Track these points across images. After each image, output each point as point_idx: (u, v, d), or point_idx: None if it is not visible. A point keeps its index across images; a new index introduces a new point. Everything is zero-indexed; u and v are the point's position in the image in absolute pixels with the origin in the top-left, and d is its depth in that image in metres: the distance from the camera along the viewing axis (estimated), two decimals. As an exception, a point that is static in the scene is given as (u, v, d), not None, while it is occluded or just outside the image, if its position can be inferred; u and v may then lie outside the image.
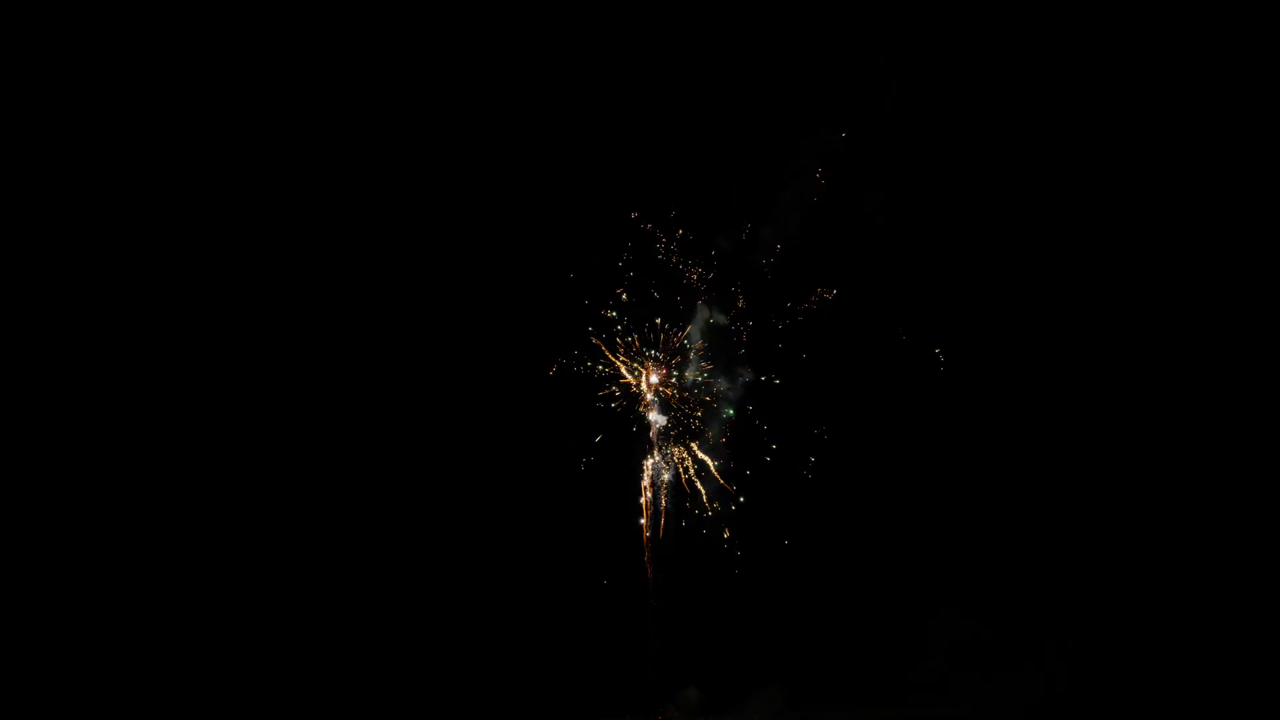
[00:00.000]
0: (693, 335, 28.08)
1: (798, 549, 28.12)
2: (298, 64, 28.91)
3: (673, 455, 28.14)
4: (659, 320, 28.12)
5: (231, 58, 28.86)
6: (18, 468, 27.68)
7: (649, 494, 28.13)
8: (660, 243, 28.18)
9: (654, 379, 28.11)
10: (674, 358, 28.13)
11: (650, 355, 28.15)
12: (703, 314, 28.06)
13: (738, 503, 27.85)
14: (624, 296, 28.09)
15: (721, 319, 28.06)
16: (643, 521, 28.09)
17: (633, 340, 28.13)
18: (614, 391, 28.15)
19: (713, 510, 27.89)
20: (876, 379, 28.90)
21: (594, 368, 28.15)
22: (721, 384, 28.12)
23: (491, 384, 29.13)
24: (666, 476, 28.12)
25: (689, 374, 28.14)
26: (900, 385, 28.90)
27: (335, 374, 29.43)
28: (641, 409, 28.15)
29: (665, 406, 28.13)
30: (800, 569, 28.26)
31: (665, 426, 28.13)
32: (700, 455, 28.11)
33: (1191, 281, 29.26)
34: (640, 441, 28.17)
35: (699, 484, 28.05)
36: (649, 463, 28.14)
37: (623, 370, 28.17)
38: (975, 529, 28.74)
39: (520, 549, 28.74)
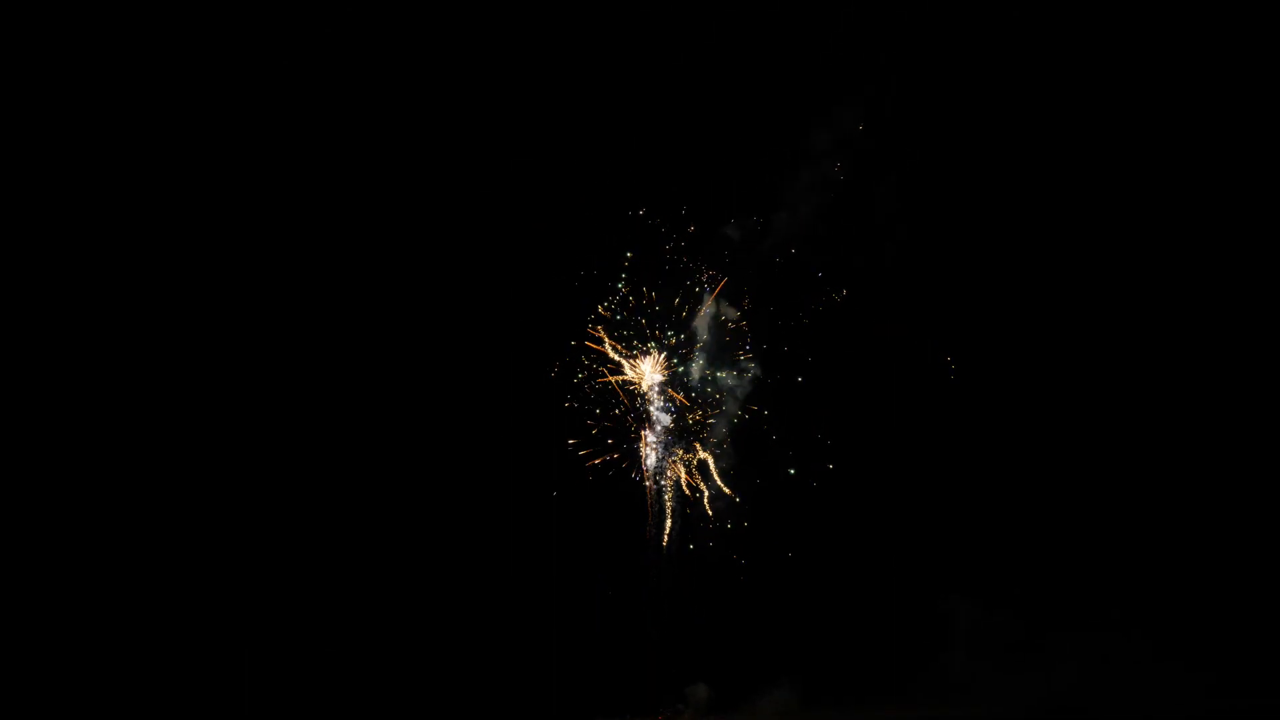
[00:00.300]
0: (699, 332, 27.99)
1: (807, 545, 28.01)
2: (297, 64, 29.03)
3: (677, 455, 28.03)
4: (660, 313, 28.07)
5: (231, 58, 28.96)
6: (17, 467, 27.62)
7: (651, 494, 28.01)
8: (670, 240, 28.16)
9: (658, 377, 28.00)
10: (681, 352, 28.05)
11: (654, 353, 28.06)
12: (710, 310, 27.98)
13: (743, 505, 27.74)
14: (627, 294, 28.04)
15: (731, 313, 27.98)
16: (647, 525, 28.01)
17: (636, 337, 28.05)
18: (617, 391, 28.09)
19: (714, 511, 27.77)
20: (885, 378, 28.88)
21: (597, 368, 28.07)
22: (728, 381, 28.02)
23: (493, 384, 29.08)
24: (670, 476, 28.01)
25: (695, 369, 28.04)
26: (910, 384, 28.85)
27: (336, 377, 29.40)
28: (645, 408, 28.05)
29: (669, 405, 28.02)
30: (811, 566, 28.11)
31: (669, 426, 28.02)
32: (703, 455, 27.99)
33: (1196, 274, 29.24)
34: (643, 441, 28.07)
35: (702, 485, 27.94)
36: (651, 462, 28.01)
37: (626, 369, 28.07)
38: (989, 525, 28.56)
39: (521, 550, 28.64)
